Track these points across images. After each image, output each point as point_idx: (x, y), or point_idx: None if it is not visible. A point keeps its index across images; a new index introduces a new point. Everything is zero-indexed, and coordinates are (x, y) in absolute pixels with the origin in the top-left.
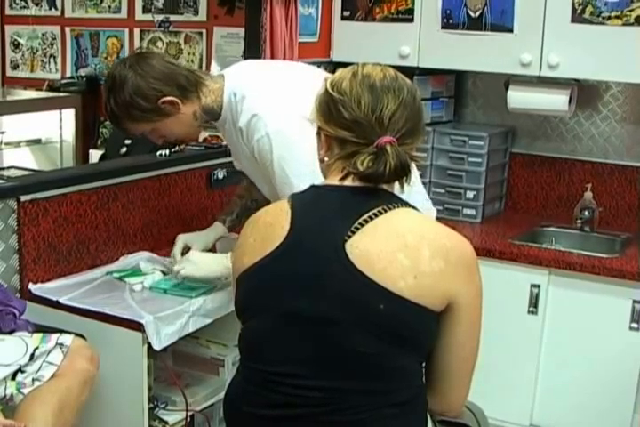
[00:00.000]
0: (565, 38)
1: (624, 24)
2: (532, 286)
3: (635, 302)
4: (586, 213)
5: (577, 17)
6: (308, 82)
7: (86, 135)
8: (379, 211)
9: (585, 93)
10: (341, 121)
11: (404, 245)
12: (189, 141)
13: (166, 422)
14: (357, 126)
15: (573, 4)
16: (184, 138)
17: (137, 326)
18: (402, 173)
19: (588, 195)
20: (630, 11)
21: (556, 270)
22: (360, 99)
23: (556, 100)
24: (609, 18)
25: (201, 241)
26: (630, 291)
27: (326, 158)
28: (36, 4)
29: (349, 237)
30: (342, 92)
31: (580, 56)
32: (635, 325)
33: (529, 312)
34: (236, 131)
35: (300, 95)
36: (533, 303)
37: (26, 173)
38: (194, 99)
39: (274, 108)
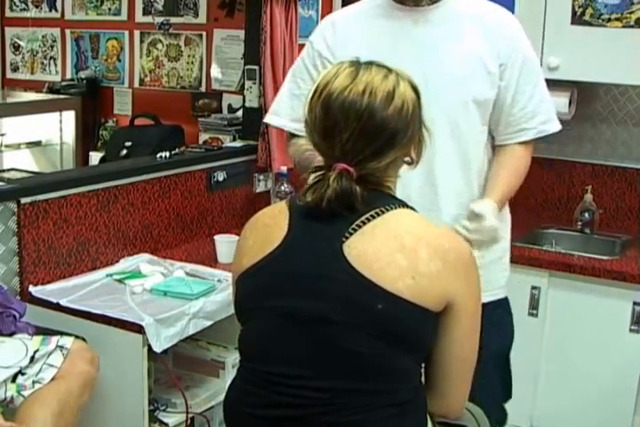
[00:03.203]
0: (565, 40)
1: (624, 26)
2: (533, 287)
3: (635, 303)
4: (586, 215)
5: (577, 19)
6: None
7: (86, 137)
8: (376, 212)
9: (585, 95)
10: (310, 139)
11: (402, 246)
12: None
13: (166, 425)
14: (317, 149)
15: (573, 6)
16: None
17: (137, 329)
18: (344, 203)
19: (589, 197)
20: (630, 13)
21: (557, 272)
22: (317, 125)
23: (556, 102)
24: (609, 20)
25: None
26: (630, 293)
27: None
28: (36, 6)
29: (347, 238)
30: (310, 110)
31: (580, 58)
32: (635, 327)
33: (529, 314)
34: (457, 27)
35: None
36: (533, 305)
37: (26, 175)
38: None
39: None
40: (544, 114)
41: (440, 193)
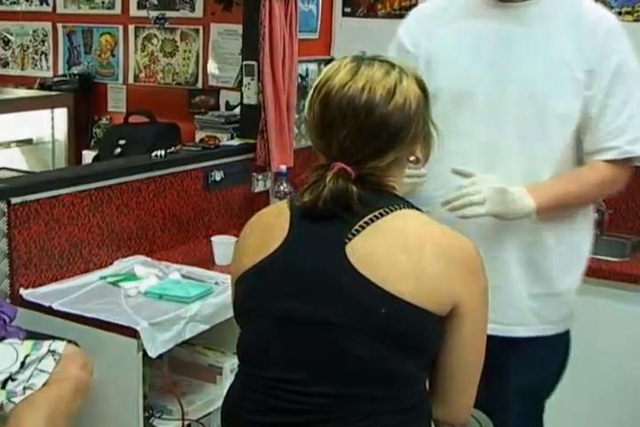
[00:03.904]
0: None
1: (635, 20)
2: None
3: None
4: (595, 215)
5: None
6: None
7: (79, 135)
8: (380, 213)
9: None
10: (309, 137)
11: (406, 247)
12: None
13: None
14: (316, 148)
15: None
16: None
17: (132, 333)
18: (340, 204)
19: None
20: None
21: None
22: (315, 122)
23: None
24: (620, 13)
25: None
26: None
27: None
28: (27, 0)
29: (350, 239)
30: (309, 107)
31: None
32: None
33: None
34: (547, 28)
35: None
36: None
37: (16, 174)
38: None
39: None
40: (633, 132)
41: None
